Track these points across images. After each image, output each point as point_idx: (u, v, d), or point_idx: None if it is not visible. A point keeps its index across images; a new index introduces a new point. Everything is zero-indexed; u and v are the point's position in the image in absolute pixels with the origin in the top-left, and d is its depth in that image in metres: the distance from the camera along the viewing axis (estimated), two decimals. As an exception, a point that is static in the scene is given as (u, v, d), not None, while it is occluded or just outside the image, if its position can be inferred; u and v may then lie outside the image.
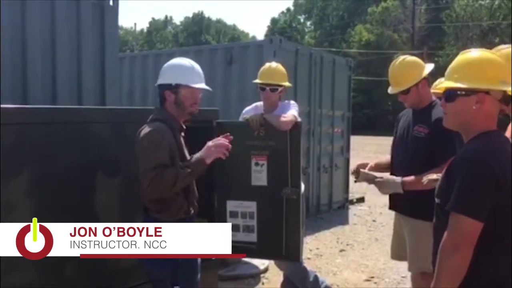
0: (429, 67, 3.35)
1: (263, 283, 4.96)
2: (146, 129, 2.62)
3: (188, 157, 2.76)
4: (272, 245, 3.65)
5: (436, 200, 1.96)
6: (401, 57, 3.40)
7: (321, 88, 8.09)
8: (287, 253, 3.65)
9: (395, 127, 3.58)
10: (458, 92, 1.92)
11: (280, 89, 3.78)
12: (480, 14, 36.18)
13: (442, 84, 2.09)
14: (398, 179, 3.20)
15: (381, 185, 3.28)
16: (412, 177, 3.16)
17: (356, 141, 9.48)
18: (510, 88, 1.88)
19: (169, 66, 2.80)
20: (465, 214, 1.77)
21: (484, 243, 1.79)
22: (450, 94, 1.96)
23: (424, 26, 40.01)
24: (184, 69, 2.77)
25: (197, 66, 2.82)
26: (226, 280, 4.72)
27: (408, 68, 3.31)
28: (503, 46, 2.56)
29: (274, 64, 3.91)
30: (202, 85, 2.78)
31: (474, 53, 1.99)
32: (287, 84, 3.86)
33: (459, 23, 36.98)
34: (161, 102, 2.78)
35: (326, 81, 8.23)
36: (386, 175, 3.37)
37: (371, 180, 3.34)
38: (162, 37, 64.01)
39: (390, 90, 3.38)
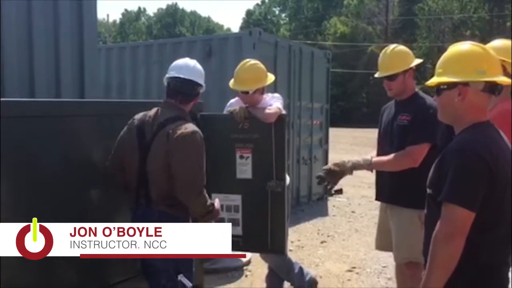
0: (417, 60, 3.44)
1: (246, 276, 4.96)
2: (192, 128, 2.73)
3: None
4: (257, 238, 3.65)
5: (428, 191, 1.98)
6: (393, 45, 3.49)
7: (300, 81, 8.11)
8: (273, 246, 3.64)
9: (379, 121, 3.62)
10: (441, 86, 1.99)
11: (255, 90, 3.61)
12: (452, 7, 36.80)
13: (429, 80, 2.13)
14: (368, 159, 3.35)
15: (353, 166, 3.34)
16: (378, 158, 3.34)
17: (331, 133, 9.54)
18: (487, 78, 1.92)
19: (196, 65, 2.96)
20: (457, 204, 1.80)
21: (480, 230, 1.82)
22: (437, 89, 2.03)
23: (397, 19, 40.52)
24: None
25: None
26: (209, 273, 4.70)
27: (398, 55, 3.39)
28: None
29: (247, 65, 3.69)
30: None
31: (455, 47, 2.06)
32: (262, 85, 3.65)
33: (431, 16, 37.55)
34: (187, 97, 2.89)
35: (305, 74, 8.26)
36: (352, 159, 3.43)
37: (341, 171, 3.36)
38: (136, 29, 63.11)
39: (377, 74, 3.44)
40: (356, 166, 3.37)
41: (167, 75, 2.92)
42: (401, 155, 3.22)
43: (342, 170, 3.38)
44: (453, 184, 1.81)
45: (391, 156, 3.27)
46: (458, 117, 1.99)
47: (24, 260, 2.37)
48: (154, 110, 2.85)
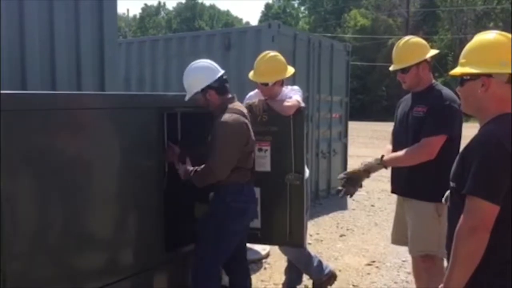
0: (433, 52, 3.35)
1: (265, 268, 4.97)
2: None
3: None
4: (276, 231, 3.65)
5: (451, 184, 1.95)
6: (407, 37, 3.43)
7: (319, 74, 8.05)
8: (291, 239, 3.65)
9: (395, 114, 3.57)
10: (464, 77, 1.96)
11: (274, 82, 3.61)
12: (475, -1, 36.12)
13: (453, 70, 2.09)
14: (377, 158, 3.34)
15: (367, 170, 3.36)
16: (392, 154, 3.30)
17: (350, 127, 9.46)
18: (510, 71, 1.87)
19: (190, 73, 3.18)
20: (481, 197, 1.76)
21: (504, 225, 1.79)
22: (460, 80, 2.00)
23: (419, 11, 39.88)
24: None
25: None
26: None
27: (411, 47, 3.33)
28: None
29: (267, 56, 3.69)
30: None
31: (480, 36, 2.02)
32: (281, 77, 3.65)
33: (453, 8, 36.89)
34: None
35: (324, 66, 8.19)
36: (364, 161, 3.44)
37: (358, 177, 3.40)
38: (155, 23, 63.39)
39: (391, 68, 3.40)
40: (370, 169, 3.36)
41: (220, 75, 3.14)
42: (416, 148, 3.17)
43: (358, 176, 3.39)
44: (477, 177, 1.78)
45: (405, 151, 3.21)
46: (481, 109, 1.95)
47: (34, 251, 2.40)
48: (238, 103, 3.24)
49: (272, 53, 3.73)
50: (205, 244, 3.18)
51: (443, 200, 2.13)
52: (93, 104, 2.78)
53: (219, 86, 3.12)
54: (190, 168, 3.12)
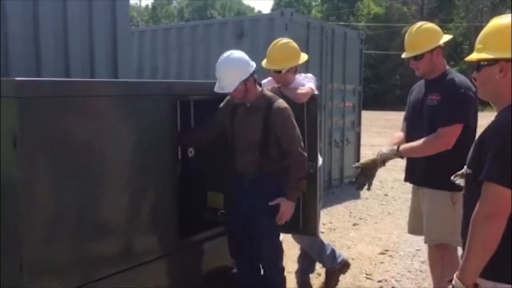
0: (446, 37, 3.29)
1: (277, 257, 4.97)
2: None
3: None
4: (289, 220, 3.64)
5: (468, 171, 1.92)
6: (420, 23, 3.36)
7: (332, 62, 8.00)
8: (304, 227, 3.64)
9: (407, 101, 3.52)
10: (481, 63, 1.92)
11: (287, 70, 3.57)
12: (491, -15, 35.48)
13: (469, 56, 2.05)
14: (393, 148, 3.29)
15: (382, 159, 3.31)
16: (407, 145, 3.24)
17: (364, 116, 9.40)
18: None
19: (220, 64, 3.12)
20: (498, 183, 1.74)
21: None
22: (477, 65, 1.95)
23: (434, -2, 39.27)
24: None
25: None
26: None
27: (424, 34, 3.26)
28: None
29: (279, 43, 3.64)
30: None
31: (496, 21, 1.97)
32: (295, 64, 3.61)
33: (469, -5, 36.29)
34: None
35: (337, 55, 8.14)
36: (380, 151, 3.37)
37: (373, 167, 3.38)
38: (168, 13, 63.33)
39: (403, 55, 3.34)
40: (385, 159, 3.32)
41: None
42: (433, 138, 3.12)
43: (373, 166, 3.36)
44: (494, 163, 1.75)
45: (421, 141, 3.16)
46: (499, 95, 1.91)
47: (50, 237, 2.43)
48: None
49: (285, 40, 3.69)
50: (275, 237, 3.32)
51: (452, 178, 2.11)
52: (108, 91, 2.78)
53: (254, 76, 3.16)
54: (291, 185, 3.18)
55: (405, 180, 3.54)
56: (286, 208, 3.17)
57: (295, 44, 3.68)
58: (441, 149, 3.09)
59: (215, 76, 3.12)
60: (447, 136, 3.08)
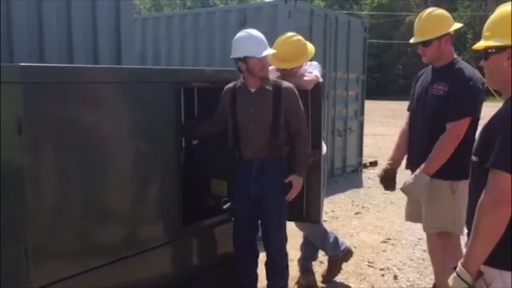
0: (457, 25, 3.25)
1: (280, 245, 4.99)
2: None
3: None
4: (292, 207, 3.64)
5: (474, 159, 1.91)
6: (431, 9, 3.31)
7: (336, 50, 7.96)
8: (308, 215, 3.66)
9: (412, 87, 3.49)
10: (489, 50, 1.90)
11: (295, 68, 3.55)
12: (496, -27, 35.11)
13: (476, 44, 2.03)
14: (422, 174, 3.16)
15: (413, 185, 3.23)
16: (427, 161, 3.12)
17: (366, 105, 9.36)
18: None
19: (237, 40, 3.18)
20: (505, 170, 1.73)
21: None
22: (485, 53, 1.93)
23: (438, -13, 38.92)
24: (249, 41, 3.13)
25: (258, 35, 3.16)
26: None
27: (434, 20, 3.22)
28: None
29: (288, 42, 3.56)
30: (266, 52, 3.13)
31: (503, 8, 1.94)
32: (304, 61, 3.59)
33: (474, -16, 35.97)
34: (239, 70, 3.21)
35: (341, 43, 8.09)
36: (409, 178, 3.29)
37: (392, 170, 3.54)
38: (170, 1, 62.98)
39: (412, 40, 3.30)
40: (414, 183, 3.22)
41: None
42: (446, 137, 3.08)
43: (393, 169, 3.50)
44: (501, 151, 1.74)
45: (437, 146, 3.09)
46: (507, 83, 1.89)
47: (56, 223, 2.44)
48: None
49: (294, 37, 3.59)
50: (284, 224, 3.37)
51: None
52: (113, 78, 2.78)
53: None
54: (300, 161, 3.29)
55: (406, 167, 3.54)
56: (297, 183, 3.27)
57: (303, 40, 3.64)
58: (455, 143, 3.07)
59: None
60: (458, 130, 3.07)
